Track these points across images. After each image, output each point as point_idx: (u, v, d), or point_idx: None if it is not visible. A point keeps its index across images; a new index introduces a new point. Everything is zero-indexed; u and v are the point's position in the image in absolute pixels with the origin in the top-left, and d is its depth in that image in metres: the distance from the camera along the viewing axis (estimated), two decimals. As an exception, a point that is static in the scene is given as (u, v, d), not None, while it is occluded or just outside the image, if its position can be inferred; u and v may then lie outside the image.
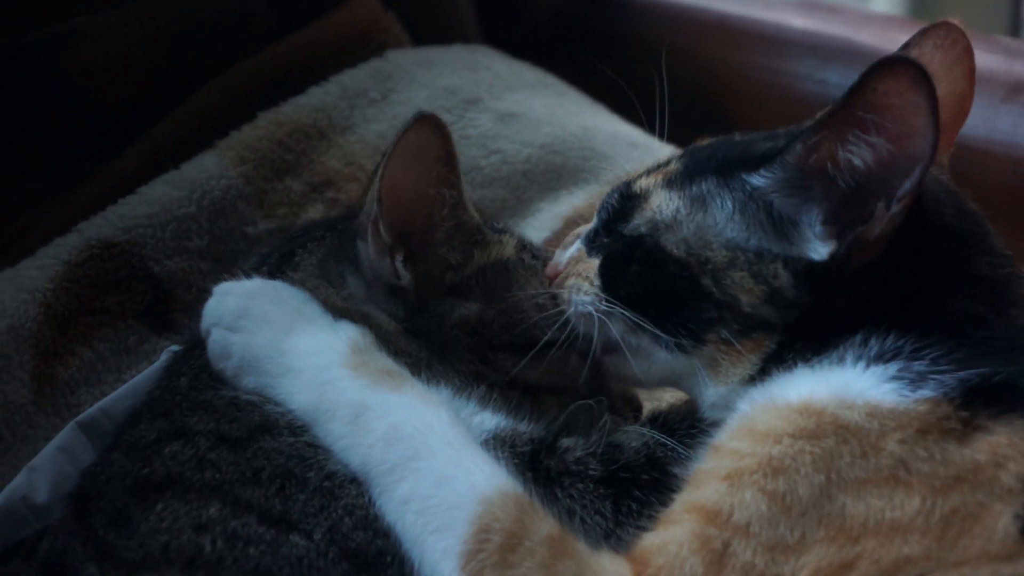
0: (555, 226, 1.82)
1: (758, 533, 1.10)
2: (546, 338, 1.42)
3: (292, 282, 1.40)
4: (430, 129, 1.38)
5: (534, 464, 1.31)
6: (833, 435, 1.11)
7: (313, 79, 1.88)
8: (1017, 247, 2.02)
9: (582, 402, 1.41)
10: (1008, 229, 2.03)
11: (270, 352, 1.31)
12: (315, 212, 1.77)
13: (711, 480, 1.15)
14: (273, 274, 1.45)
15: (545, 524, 1.16)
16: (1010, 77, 2.02)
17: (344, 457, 1.24)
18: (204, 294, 1.58)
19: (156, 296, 1.67)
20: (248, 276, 1.42)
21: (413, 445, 1.22)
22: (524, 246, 1.51)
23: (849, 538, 1.07)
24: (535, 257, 1.51)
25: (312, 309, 1.34)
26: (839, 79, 2.14)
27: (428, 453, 1.21)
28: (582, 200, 1.85)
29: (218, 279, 1.47)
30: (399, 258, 1.41)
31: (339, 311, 1.37)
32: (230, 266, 1.68)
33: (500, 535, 1.14)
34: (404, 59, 1.94)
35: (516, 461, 1.30)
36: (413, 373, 1.32)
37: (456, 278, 1.43)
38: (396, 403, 1.25)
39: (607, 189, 1.85)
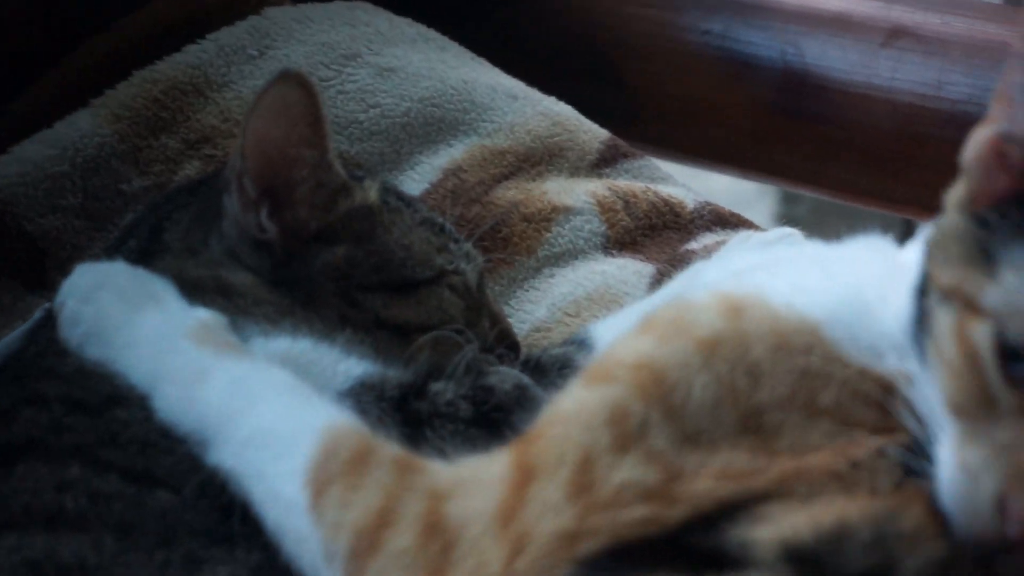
0: (434, 178, 1.83)
1: (685, 418, 1.04)
2: (415, 275, 1.45)
3: (157, 270, 1.40)
4: (295, 87, 1.38)
5: (403, 408, 1.32)
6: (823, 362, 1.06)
7: (193, 38, 1.88)
8: (897, 191, 2.08)
9: (443, 333, 1.43)
10: (888, 173, 2.08)
11: (117, 323, 1.30)
12: (192, 169, 1.77)
13: (680, 336, 1.07)
14: (143, 250, 1.46)
15: (393, 448, 1.13)
16: (889, 22, 2.04)
17: (182, 420, 1.22)
18: (79, 252, 1.59)
19: (30, 254, 1.67)
20: (112, 256, 1.43)
21: (257, 392, 1.21)
22: (387, 189, 1.52)
23: (769, 453, 1.03)
24: (400, 199, 1.52)
25: (169, 293, 1.34)
26: (722, 29, 2.16)
27: (273, 395, 1.20)
28: (461, 152, 1.86)
29: (93, 236, 1.48)
30: (264, 212, 1.41)
31: (193, 281, 1.37)
32: (105, 223, 1.69)
33: (348, 452, 1.12)
34: (282, 16, 1.94)
35: (384, 405, 1.30)
36: (276, 320, 1.33)
37: (321, 225, 1.44)
38: (238, 364, 1.25)
39: (487, 141, 1.89)
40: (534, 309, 1.71)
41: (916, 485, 1.02)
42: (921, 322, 1.06)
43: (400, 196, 1.54)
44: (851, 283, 1.12)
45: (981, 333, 1.01)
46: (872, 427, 1.05)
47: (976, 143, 1.07)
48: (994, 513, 0.98)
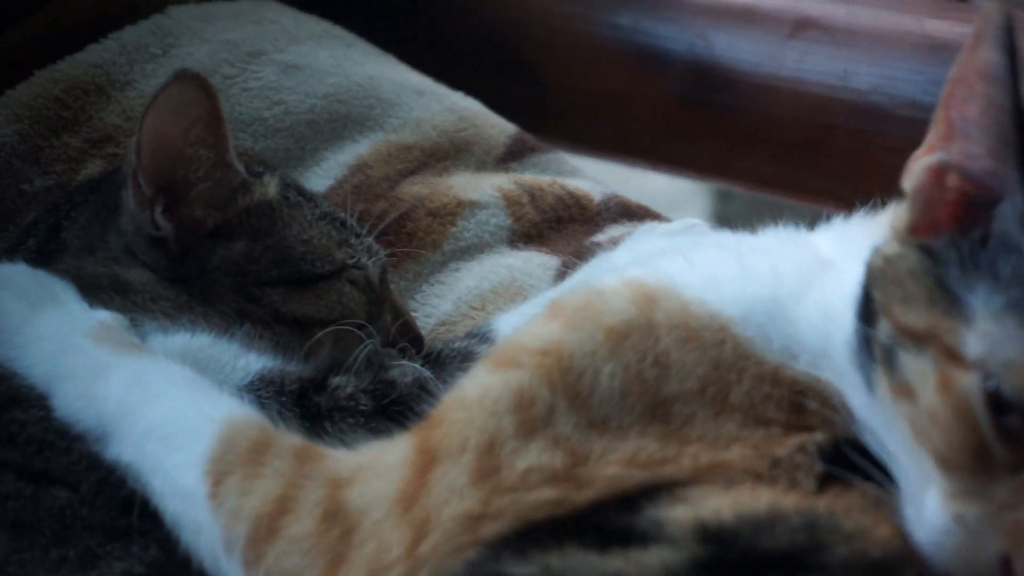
0: (340, 174, 1.83)
1: (592, 406, 1.04)
2: (315, 270, 1.45)
3: (57, 272, 1.39)
4: (192, 87, 1.39)
5: (303, 401, 1.32)
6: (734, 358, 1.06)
7: (96, 39, 1.87)
8: (805, 180, 2.10)
9: (344, 327, 1.43)
10: (796, 163, 2.10)
11: (17, 323, 1.30)
12: (94, 168, 1.75)
13: (588, 323, 1.07)
14: (42, 249, 1.45)
15: (293, 438, 1.14)
16: (796, 14, 2.06)
17: (81, 417, 1.22)
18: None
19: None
20: (11, 257, 1.42)
21: (156, 386, 1.21)
22: (287, 184, 1.53)
23: (680, 442, 1.03)
24: (300, 193, 1.53)
25: (69, 295, 1.34)
26: (631, 23, 2.17)
27: (172, 389, 1.21)
28: (367, 148, 1.86)
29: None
30: (159, 210, 1.41)
31: (91, 279, 1.38)
32: (6, 223, 1.68)
33: (247, 443, 1.12)
34: (186, 14, 1.93)
35: (284, 399, 1.31)
36: (173, 316, 1.34)
37: (219, 221, 1.44)
38: (138, 360, 1.25)
39: (393, 137, 1.89)
40: (440, 303, 1.71)
41: (844, 485, 1.02)
42: (867, 350, 1.03)
43: (300, 191, 1.54)
44: (766, 280, 1.11)
45: (970, 386, 0.97)
46: (786, 425, 1.04)
47: (917, 171, 1.05)
48: (997, 572, 0.96)
